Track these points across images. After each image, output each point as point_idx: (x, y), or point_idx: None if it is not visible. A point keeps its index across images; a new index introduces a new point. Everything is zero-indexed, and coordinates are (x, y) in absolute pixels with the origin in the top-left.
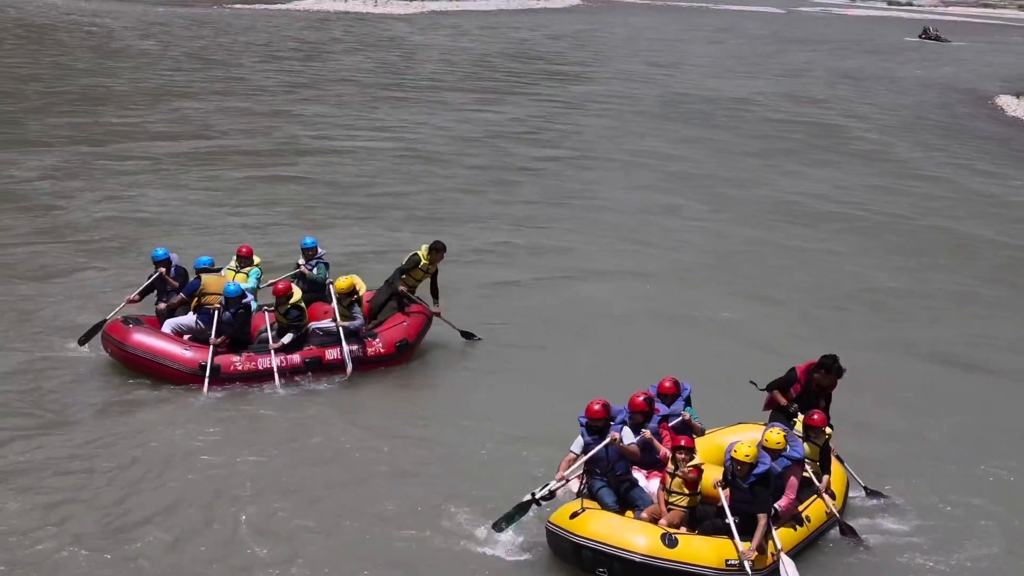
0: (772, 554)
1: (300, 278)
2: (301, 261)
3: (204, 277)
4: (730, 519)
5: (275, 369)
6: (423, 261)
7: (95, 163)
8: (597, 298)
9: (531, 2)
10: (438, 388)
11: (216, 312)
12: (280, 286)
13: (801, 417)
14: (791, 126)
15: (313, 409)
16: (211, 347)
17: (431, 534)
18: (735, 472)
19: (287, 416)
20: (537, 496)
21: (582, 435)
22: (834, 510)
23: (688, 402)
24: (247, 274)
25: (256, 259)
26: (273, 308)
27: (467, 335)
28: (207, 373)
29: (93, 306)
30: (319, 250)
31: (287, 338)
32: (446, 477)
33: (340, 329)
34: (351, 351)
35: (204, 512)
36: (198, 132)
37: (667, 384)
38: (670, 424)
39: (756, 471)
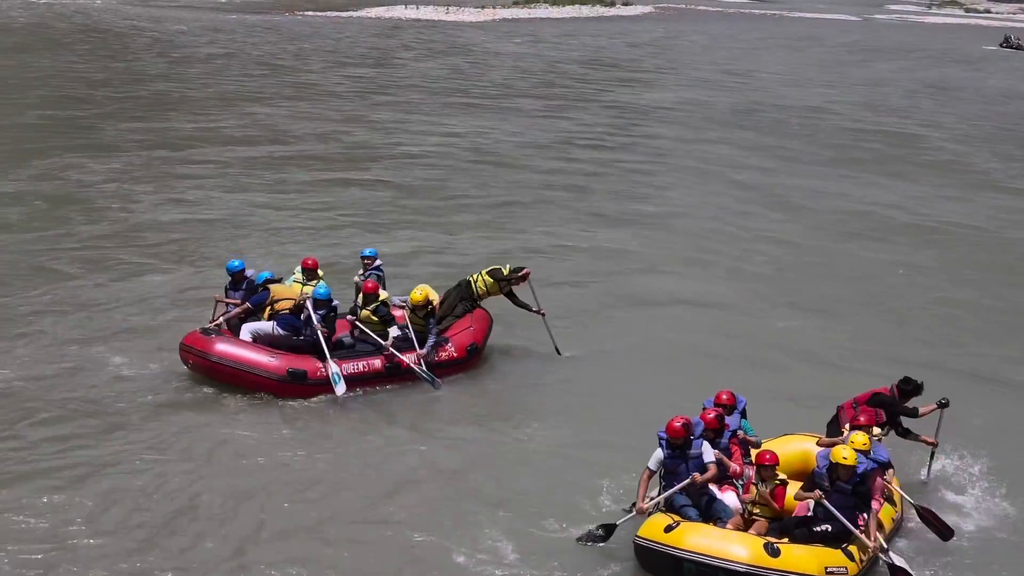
0: (874, 551)
1: (357, 290)
2: (360, 271)
3: (272, 287)
4: (844, 520)
5: (416, 366)
6: (506, 274)
7: (165, 167)
8: (661, 306)
9: (603, 10)
10: (504, 395)
11: (314, 316)
12: (369, 284)
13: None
14: (867, 135)
15: (389, 415)
16: (318, 333)
17: (504, 549)
18: (838, 476)
19: (364, 420)
20: (619, 523)
21: (661, 448)
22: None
23: (744, 415)
24: (313, 287)
25: (320, 271)
26: (361, 307)
27: (557, 350)
28: (330, 374)
29: (162, 309)
30: (377, 260)
31: (395, 330)
32: (517, 486)
33: (414, 338)
34: (424, 355)
35: (280, 514)
36: (268, 137)
37: (724, 397)
38: (735, 438)
39: (859, 472)
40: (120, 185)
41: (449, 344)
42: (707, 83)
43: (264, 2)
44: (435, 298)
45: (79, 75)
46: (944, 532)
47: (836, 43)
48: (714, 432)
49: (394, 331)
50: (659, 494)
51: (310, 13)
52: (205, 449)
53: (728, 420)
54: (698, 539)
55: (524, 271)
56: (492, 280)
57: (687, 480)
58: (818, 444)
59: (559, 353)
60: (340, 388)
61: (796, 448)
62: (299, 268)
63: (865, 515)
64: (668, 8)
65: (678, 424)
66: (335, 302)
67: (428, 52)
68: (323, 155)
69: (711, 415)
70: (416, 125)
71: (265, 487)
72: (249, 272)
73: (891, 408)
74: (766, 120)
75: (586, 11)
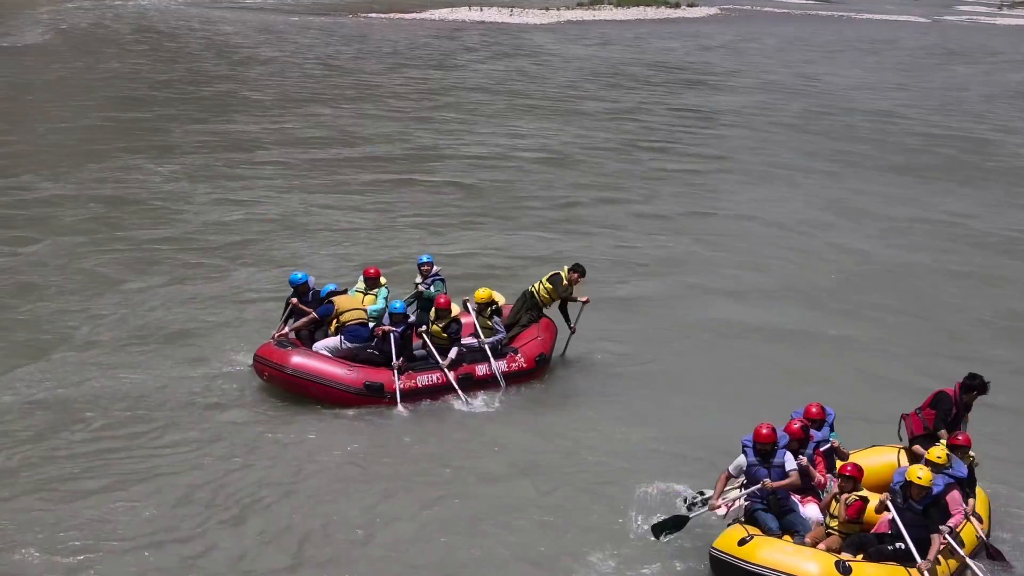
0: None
1: (417, 297)
2: (418, 279)
3: (336, 299)
4: (909, 543)
5: (455, 385)
6: (564, 282)
7: (226, 169)
8: (726, 312)
9: (668, 11)
10: (575, 404)
11: (391, 336)
12: (442, 300)
13: (945, 440)
14: (941, 140)
15: (469, 427)
16: (395, 370)
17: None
18: (910, 495)
19: (438, 430)
20: (691, 515)
21: (745, 455)
22: (982, 534)
23: (832, 427)
24: (376, 295)
25: (383, 280)
26: (432, 321)
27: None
28: (398, 396)
29: (222, 312)
30: (435, 267)
31: (454, 352)
32: (592, 493)
33: (487, 347)
34: (493, 367)
35: (348, 520)
36: (331, 138)
37: (813, 410)
38: (820, 450)
39: (932, 493)
40: (180, 186)
41: (519, 355)
42: (779, 86)
43: (327, 4)
44: (500, 299)
45: (141, 77)
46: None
47: (912, 46)
48: (798, 442)
49: (453, 352)
50: (743, 489)
51: (373, 15)
52: (269, 455)
53: (816, 433)
54: (770, 554)
55: (579, 273)
56: (551, 286)
57: (757, 485)
58: (912, 452)
59: (563, 355)
60: (400, 407)
61: (882, 460)
62: (361, 278)
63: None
64: (733, 9)
65: (765, 430)
66: (411, 318)
67: (493, 54)
68: (386, 156)
69: (796, 425)
70: (480, 127)
71: (331, 494)
72: (312, 283)
73: (950, 408)
74: (838, 125)
75: (651, 12)
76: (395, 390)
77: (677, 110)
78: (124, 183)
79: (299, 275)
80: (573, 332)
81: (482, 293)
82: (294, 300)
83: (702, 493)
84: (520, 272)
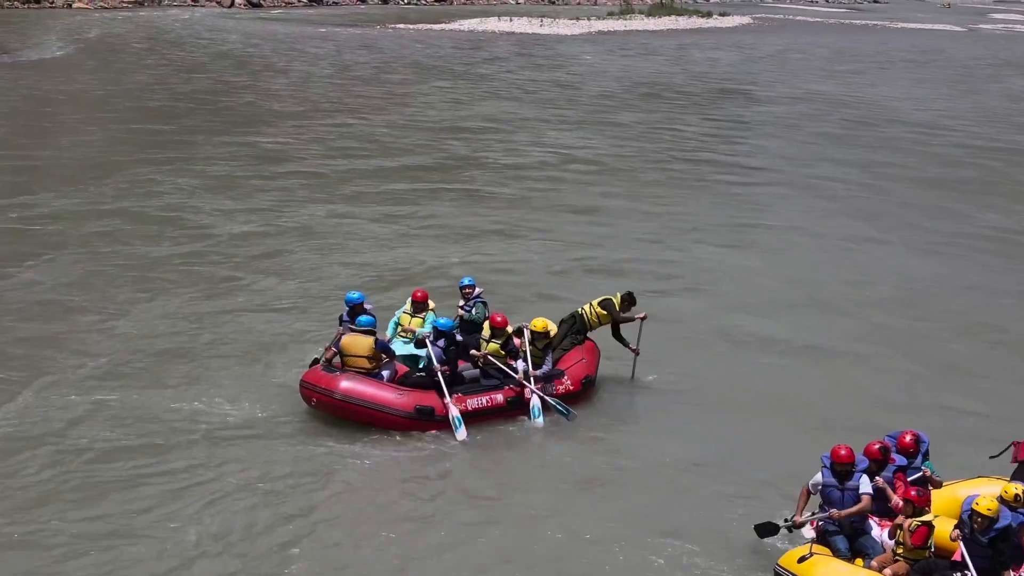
0: None
1: (460, 320)
2: (460, 303)
3: (343, 340)
4: (972, 573)
5: (535, 394)
6: (617, 307)
7: (254, 181)
8: (774, 329)
9: (700, 21)
10: (627, 425)
11: (432, 347)
12: (499, 319)
13: None
14: (988, 154)
15: (517, 448)
16: (438, 373)
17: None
18: (975, 526)
19: (490, 456)
20: (783, 525)
21: (823, 474)
22: None
23: (926, 456)
24: (423, 319)
25: (431, 303)
26: (488, 340)
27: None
28: (448, 400)
29: (257, 330)
30: (476, 289)
31: (520, 364)
32: (651, 518)
33: (531, 378)
34: (540, 389)
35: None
36: (361, 149)
37: (907, 439)
38: (909, 478)
39: (996, 526)
40: (207, 200)
41: (565, 377)
42: (820, 97)
43: (355, 15)
44: (553, 329)
45: (165, 88)
46: None
47: (964, 56)
48: (877, 464)
49: (520, 364)
50: (813, 514)
51: (402, 26)
52: (315, 481)
53: (899, 458)
54: (825, 573)
55: (631, 300)
56: (604, 312)
57: (825, 515)
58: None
59: (632, 378)
60: (461, 433)
61: (983, 492)
62: (408, 300)
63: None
64: (766, 19)
65: (844, 451)
66: (459, 338)
67: (525, 64)
68: (418, 166)
69: (875, 446)
70: (513, 137)
71: (381, 521)
72: (368, 304)
73: None
74: (882, 136)
75: (682, 22)
76: (447, 405)
77: (715, 120)
78: (147, 196)
79: (356, 295)
80: (637, 354)
81: (540, 323)
82: (340, 330)
83: (786, 520)
84: (555, 288)
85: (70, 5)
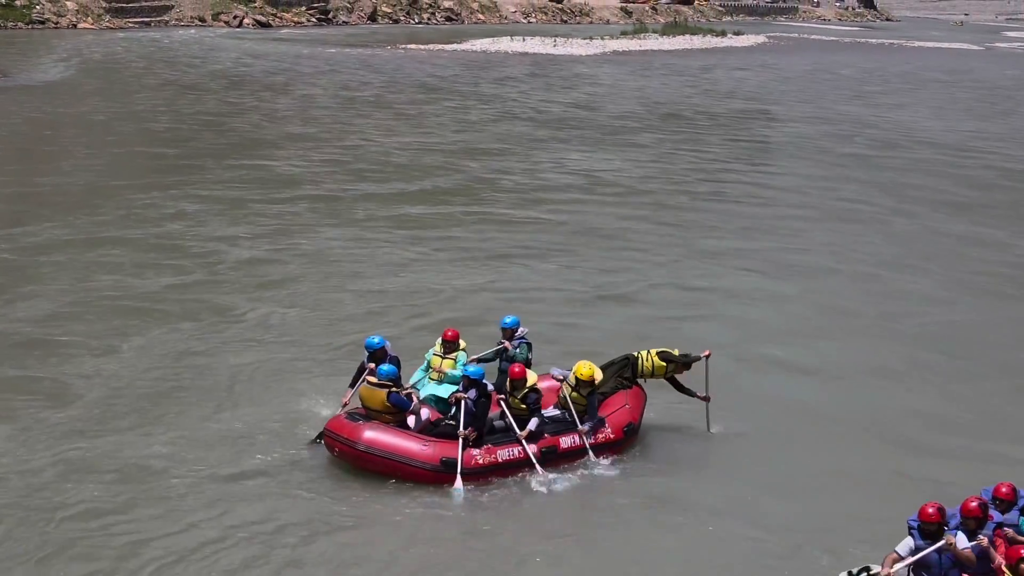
0: None
1: (501, 355)
2: (505, 342)
3: (361, 388)
4: None
5: (533, 457)
6: (677, 356)
7: (261, 205)
8: (810, 369)
9: (715, 40)
10: (672, 479)
11: (463, 403)
12: (516, 369)
13: None
14: (1021, 177)
15: (548, 503)
16: (460, 440)
17: None
18: None
19: (518, 511)
20: None
21: (912, 537)
22: None
23: (1023, 511)
24: (454, 360)
25: (462, 343)
26: (509, 393)
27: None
28: (459, 469)
29: (273, 359)
30: (521, 329)
31: (533, 424)
32: None
33: (577, 419)
34: (585, 432)
35: None
36: (373, 171)
37: (1003, 489)
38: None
39: None
40: (211, 225)
41: (605, 424)
42: (845, 117)
43: (366, 36)
44: (599, 377)
45: (169, 110)
46: None
47: (990, 75)
48: (975, 521)
49: (533, 423)
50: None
51: (413, 47)
52: (331, 536)
53: (1008, 515)
54: None
55: (703, 355)
56: (662, 363)
57: (942, 542)
58: None
59: (708, 430)
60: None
61: None
62: (439, 340)
63: None
64: (780, 38)
65: (931, 509)
66: (489, 387)
67: (542, 85)
68: (435, 189)
69: (973, 503)
70: (529, 158)
71: None
72: (389, 348)
73: None
74: (911, 159)
75: (696, 41)
76: (458, 463)
77: (739, 141)
78: (147, 223)
79: (377, 340)
80: (709, 400)
81: (585, 369)
82: (371, 366)
83: (867, 569)
84: (577, 316)
85: (75, 25)
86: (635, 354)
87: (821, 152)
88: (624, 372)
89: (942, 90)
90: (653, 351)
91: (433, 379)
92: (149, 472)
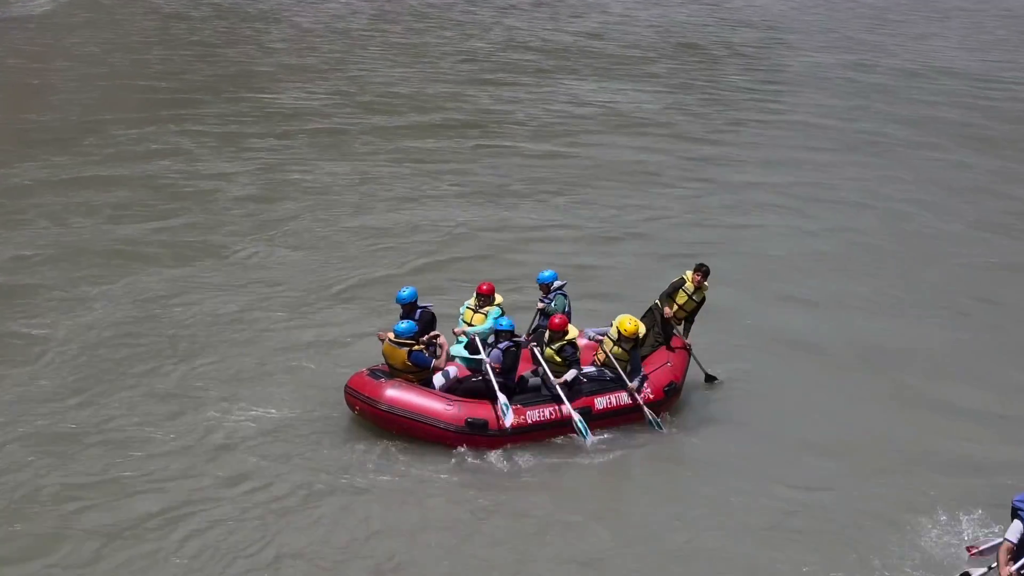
0: None
1: (540, 314)
2: (542, 296)
3: (384, 345)
4: None
5: (574, 413)
6: (687, 283)
7: (260, 141)
8: (861, 321)
9: None
10: (718, 439)
11: (488, 367)
12: (557, 320)
13: None
14: None
15: (585, 467)
16: (487, 367)
17: None
18: None
19: (557, 478)
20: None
21: (1019, 518)
22: None
23: None
24: (486, 314)
25: (498, 297)
26: (547, 344)
27: (710, 378)
28: (500, 401)
29: (287, 321)
30: (556, 283)
31: (571, 375)
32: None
33: (624, 376)
34: (617, 400)
35: None
36: (380, 106)
37: None
38: None
39: None
40: (207, 160)
41: (646, 383)
42: (870, 46)
43: None
44: (643, 331)
45: (167, 41)
46: None
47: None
48: None
49: (571, 374)
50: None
51: None
52: (344, 504)
53: None
54: None
55: (703, 274)
56: (686, 297)
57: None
58: None
59: (712, 379)
60: (508, 419)
61: None
62: (474, 294)
63: None
64: None
65: None
66: (520, 336)
67: (549, 14)
68: (441, 122)
69: None
70: (542, 90)
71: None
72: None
73: None
74: (939, 91)
75: None
76: (500, 417)
77: (758, 71)
78: (140, 160)
79: (408, 291)
80: (689, 346)
81: (629, 325)
82: (380, 332)
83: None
84: (594, 256)
85: None
86: (657, 302)
87: (843, 82)
88: (655, 325)
89: (968, 19)
90: (690, 271)
91: (458, 336)
92: (157, 431)
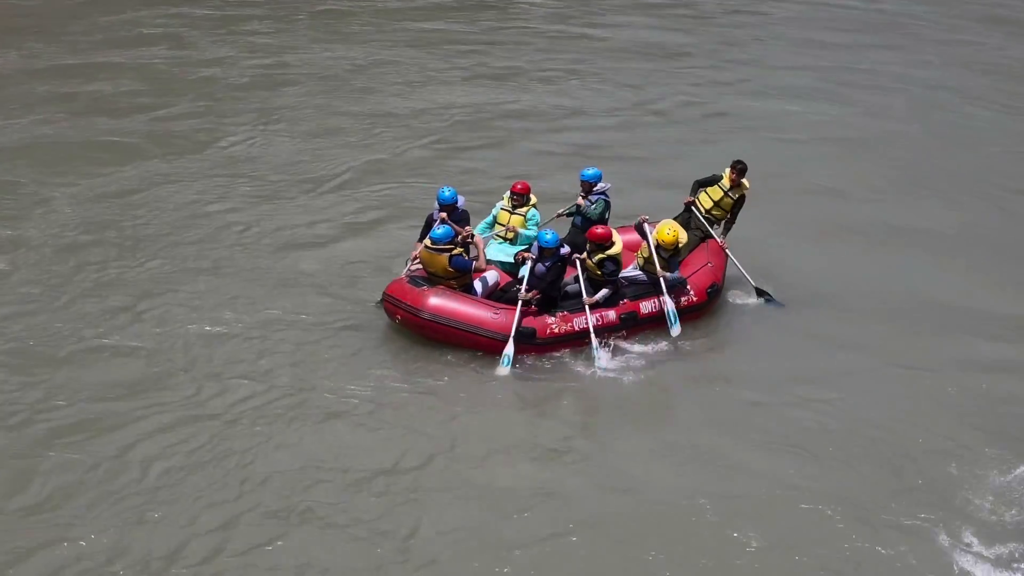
0: None
1: (576, 214)
2: (580, 197)
3: (421, 251)
4: None
5: (591, 330)
6: (724, 179)
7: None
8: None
9: None
10: (765, 344)
11: (529, 264)
12: (600, 231)
13: None
14: None
15: (630, 381)
16: (518, 304)
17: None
18: None
19: (596, 391)
20: None
21: None
22: None
23: None
24: (524, 216)
25: (533, 198)
26: (588, 254)
27: (763, 294)
28: (512, 335)
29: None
30: (601, 183)
31: (602, 294)
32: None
33: (663, 282)
34: (660, 304)
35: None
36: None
37: None
38: None
39: None
40: (203, 44)
41: (687, 286)
42: None
43: None
44: (684, 240)
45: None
46: None
47: None
48: None
49: (602, 294)
50: None
51: None
52: (392, 420)
53: None
54: None
55: (739, 172)
56: (721, 194)
57: None
58: None
59: (765, 295)
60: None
61: None
62: (508, 193)
63: None
64: None
65: None
66: (564, 249)
67: None
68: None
69: None
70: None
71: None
72: (461, 201)
73: None
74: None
75: None
76: (512, 327)
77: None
78: (136, 46)
79: (449, 192)
80: (723, 247)
81: (668, 234)
82: (443, 216)
83: None
84: (621, 143)
85: None
86: (695, 200)
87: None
88: (691, 225)
89: None
90: (707, 189)
91: (499, 237)
92: (218, 344)
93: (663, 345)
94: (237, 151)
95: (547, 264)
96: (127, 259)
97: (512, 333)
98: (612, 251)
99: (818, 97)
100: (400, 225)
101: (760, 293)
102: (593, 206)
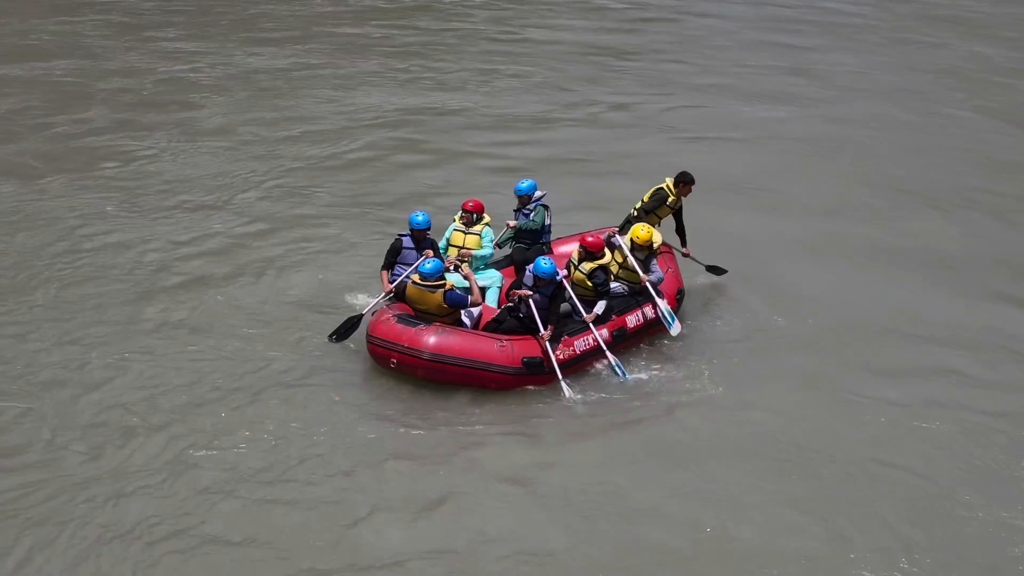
0: None
1: (516, 235)
2: (516, 209)
3: (408, 288)
4: None
5: (604, 345)
6: (670, 197)
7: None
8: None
9: None
10: (738, 346)
11: (531, 302)
12: (591, 239)
13: None
14: None
15: (644, 397)
16: (546, 342)
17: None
18: None
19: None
20: None
21: None
22: None
23: None
24: (480, 235)
25: (486, 216)
26: (576, 266)
27: (714, 269)
28: (556, 369)
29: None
30: (536, 194)
31: (600, 307)
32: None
33: (649, 286)
34: (644, 315)
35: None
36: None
37: None
38: None
39: None
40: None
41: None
42: None
43: None
44: (659, 240)
45: None
46: None
47: None
48: None
49: (600, 306)
50: None
51: None
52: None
53: None
54: None
55: (686, 183)
56: (659, 204)
57: None
58: None
59: (723, 270)
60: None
61: None
62: (460, 212)
63: None
64: None
65: None
66: (560, 275)
67: None
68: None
69: None
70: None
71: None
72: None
73: None
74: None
75: None
76: (553, 366)
77: None
78: (37, 57)
79: (422, 216)
80: (688, 256)
81: (643, 233)
82: (428, 252)
83: None
84: (587, 147)
85: None
86: (633, 211)
87: None
88: (652, 207)
89: None
90: (645, 196)
91: (457, 263)
92: (182, 393)
93: (655, 364)
94: (145, 168)
95: (547, 293)
96: (11, 295)
97: (557, 369)
98: (603, 260)
99: (767, 100)
100: (340, 253)
101: (710, 269)
102: (532, 216)
